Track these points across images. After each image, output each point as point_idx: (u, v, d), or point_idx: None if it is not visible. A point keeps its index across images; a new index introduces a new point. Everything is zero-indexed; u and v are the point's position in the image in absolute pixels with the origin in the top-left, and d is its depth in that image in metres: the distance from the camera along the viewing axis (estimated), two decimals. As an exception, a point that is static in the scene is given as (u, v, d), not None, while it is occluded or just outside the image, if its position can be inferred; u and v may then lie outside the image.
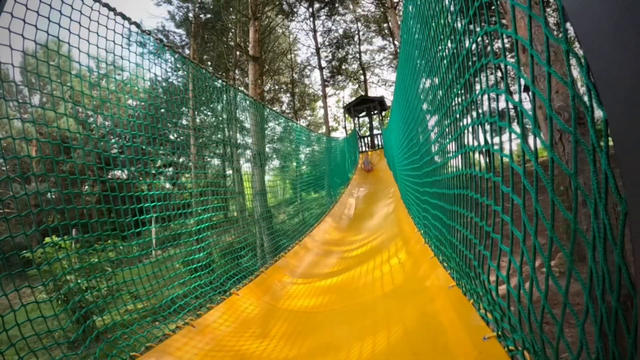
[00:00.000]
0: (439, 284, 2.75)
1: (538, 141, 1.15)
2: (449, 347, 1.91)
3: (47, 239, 3.78)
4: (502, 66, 1.30)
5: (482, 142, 1.69)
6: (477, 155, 1.84)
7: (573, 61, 0.91)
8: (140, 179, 3.59)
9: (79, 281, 6.77)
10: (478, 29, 1.54)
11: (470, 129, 1.84)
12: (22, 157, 2.45)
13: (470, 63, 1.73)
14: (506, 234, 1.48)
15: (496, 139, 1.51)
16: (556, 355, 1.14)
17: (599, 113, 0.81)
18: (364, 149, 21.75)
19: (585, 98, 0.86)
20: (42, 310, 2.26)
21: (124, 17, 3.07)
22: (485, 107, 1.53)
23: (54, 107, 2.57)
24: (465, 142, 1.97)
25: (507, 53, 1.30)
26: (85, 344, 2.51)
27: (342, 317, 3.33)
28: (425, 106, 3.32)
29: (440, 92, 2.50)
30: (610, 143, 0.80)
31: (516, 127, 1.24)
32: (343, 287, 4.18)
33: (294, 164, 9.07)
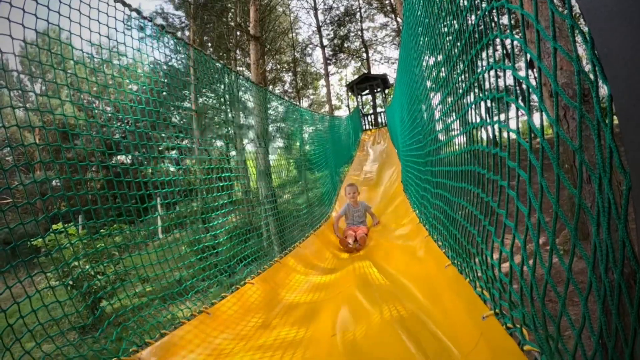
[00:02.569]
0: (435, 263, 2.76)
1: (544, 117, 1.15)
2: (454, 328, 1.92)
3: (55, 226, 3.81)
4: (509, 42, 1.29)
5: (487, 119, 1.68)
6: (482, 131, 1.83)
7: (578, 38, 0.91)
8: (145, 163, 3.59)
9: (88, 267, 6.84)
10: (484, 4, 1.52)
11: (475, 106, 1.83)
12: (29, 146, 2.46)
13: (476, 37, 1.71)
14: (510, 213, 1.48)
15: (502, 116, 1.51)
16: (558, 330, 1.15)
17: (603, 90, 0.81)
18: (367, 127, 21.66)
19: (591, 76, 0.86)
20: (53, 297, 2.28)
21: (124, 3, 3.04)
22: (492, 84, 1.52)
23: (57, 94, 2.57)
24: (471, 120, 1.96)
25: (512, 30, 1.29)
26: (103, 326, 2.54)
27: (348, 301, 3.36)
28: (428, 84, 3.30)
29: (445, 69, 2.48)
30: (616, 121, 0.80)
31: (520, 104, 1.24)
32: (347, 275, 4.20)
33: (298, 143, 9.05)
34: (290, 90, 33.92)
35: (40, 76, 2.53)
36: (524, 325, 1.41)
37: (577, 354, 1.11)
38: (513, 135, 1.43)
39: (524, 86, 1.18)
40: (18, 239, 2.06)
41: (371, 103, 24.11)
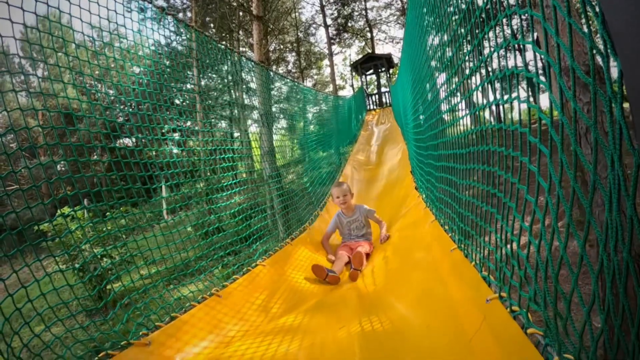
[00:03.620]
0: (441, 248, 2.76)
1: (553, 96, 1.13)
2: (457, 312, 1.92)
3: (60, 211, 3.83)
4: (517, 20, 1.26)
5: (499, 96, 1.66)
6: (490, 110, 1.81)
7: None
8: (149, 144, 3.58)
9: (96, 251, 6.90)
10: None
11: (483, 86, 1.81)
12: (34, 128, 2.45)
13: (483, 17, 1.68)
14: (513, 194, 1.47)
15: (510, 95, 1.48)
16: (569, 307, 1.15)
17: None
18: (371, 107, 21.58)
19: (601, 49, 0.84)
20: (60, 281, 2.28)
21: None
22: (501, 63, 1.50)
23: (60, 78, 2.55)
24: (478, 101, 1.94)
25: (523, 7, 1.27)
26: (115, 309, 2.56)
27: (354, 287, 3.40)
28: (433, 63, 3.26)
29: (451, 49, 2.44)
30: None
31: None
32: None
33: (301, 123, 9.02)
34: (293, 71, 33.72)
35: (42, 60, 2.51)
36: (532, 303, 1.40)
37: (580, 336, 1.11)
38: (521, 115, 1.41)
39: (531, 68, 1.16)
40: (25, 223, 2.06)
41: (375, 83, 23.99)
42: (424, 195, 4.24)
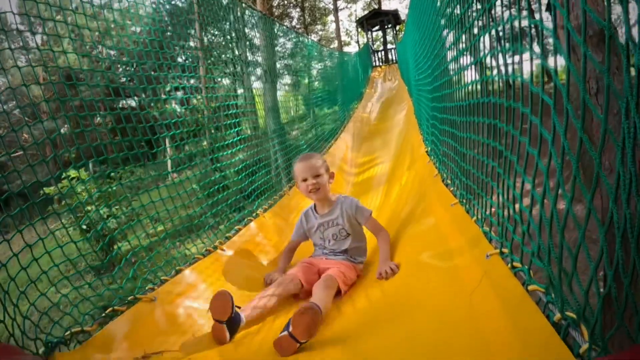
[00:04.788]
0: (442, 202, 2.73)
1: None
2: (457, 267, 1.91)
3: (66, 173, 3.84)
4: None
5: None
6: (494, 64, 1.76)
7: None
8: (152, 105, 3.54)
9: (102, 207, 6.96)
10: None
11: (490, 42, 1.75)
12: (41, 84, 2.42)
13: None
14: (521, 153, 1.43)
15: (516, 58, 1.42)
16: (574, 263, 1.12)
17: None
18: (377, 64, 21.28)
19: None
20: (67, 241, 2.28)
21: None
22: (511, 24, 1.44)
23: (60, 43, 2.48)
24: (485, 61, 1.87)
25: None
26: (120, 264, 2.57)
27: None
28: (443, 22, 3.17)
29: (460, 5, 2.35)
30: None
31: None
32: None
33: (306, 80, 8.91)
34: (298, 27, 33.10)
35: (41, 21, 2.44)
36: (534, 259, 1.38)
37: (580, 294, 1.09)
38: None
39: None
40: (30, 188, 2.06)
41: (381, 39, 23.58)
42: (428, 149, 4.19)
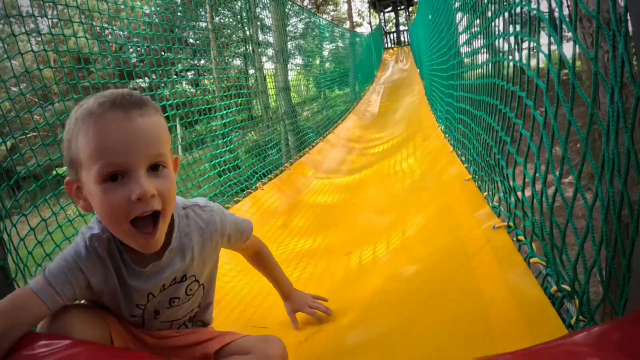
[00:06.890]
0: (455, 178, 2.78)
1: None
2: (461, 236, 1.96)
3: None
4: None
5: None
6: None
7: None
8: (162, 85, 3.59)
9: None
10: None
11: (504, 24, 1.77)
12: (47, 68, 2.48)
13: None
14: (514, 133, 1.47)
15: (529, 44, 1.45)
16: (563, 238, 1.17)
17: None
18: (389, 45, 21.09)
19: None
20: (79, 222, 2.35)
21: None
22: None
23: (70, 24, 2.54)
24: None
25: None
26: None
27: (362, 210, 3.45)
28: (457, 4, 3.18)
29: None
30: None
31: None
32: (365, 182, 4.28)
33: (317, 60, 8.89)
34: (309, 7, 32.74)
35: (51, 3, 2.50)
36: (534, 233, 1.43)
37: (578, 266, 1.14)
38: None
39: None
40: (44, 169, 2.15)
41: (394, 21, 23.32)
42: (442, 127, 4.21)
